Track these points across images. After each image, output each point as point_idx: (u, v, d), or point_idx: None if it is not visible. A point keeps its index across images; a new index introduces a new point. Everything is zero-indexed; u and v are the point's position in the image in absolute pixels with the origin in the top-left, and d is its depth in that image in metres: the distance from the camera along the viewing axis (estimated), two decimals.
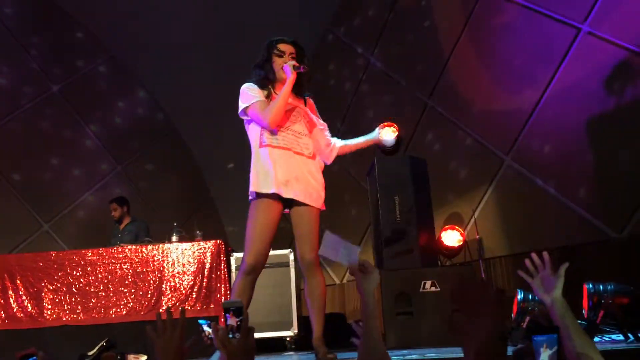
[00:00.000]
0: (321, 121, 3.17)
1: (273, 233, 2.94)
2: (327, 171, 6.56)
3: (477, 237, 4.31)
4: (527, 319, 3.10)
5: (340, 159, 5.53)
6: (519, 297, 3.23)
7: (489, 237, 4.46)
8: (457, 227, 4.35)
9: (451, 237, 4.26)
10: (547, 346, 1.88)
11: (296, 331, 4.31)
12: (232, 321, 1.51)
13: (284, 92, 2.86)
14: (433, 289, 3.71)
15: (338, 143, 3.19)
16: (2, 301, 4.28)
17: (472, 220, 4.62)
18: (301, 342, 4.32)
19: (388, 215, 4.06)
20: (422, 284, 3.75)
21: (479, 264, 4.21)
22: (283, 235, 6.96)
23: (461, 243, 4.25)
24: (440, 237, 4.28)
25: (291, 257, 4.59)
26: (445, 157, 5.15)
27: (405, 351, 3.16)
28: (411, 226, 4.02)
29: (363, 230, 5.88)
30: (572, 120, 4.14)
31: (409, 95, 5.75)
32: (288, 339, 4.33)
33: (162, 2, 6.55)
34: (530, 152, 4.45)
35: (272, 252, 4.58)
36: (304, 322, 4.58)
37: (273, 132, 2.91)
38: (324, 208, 3.01)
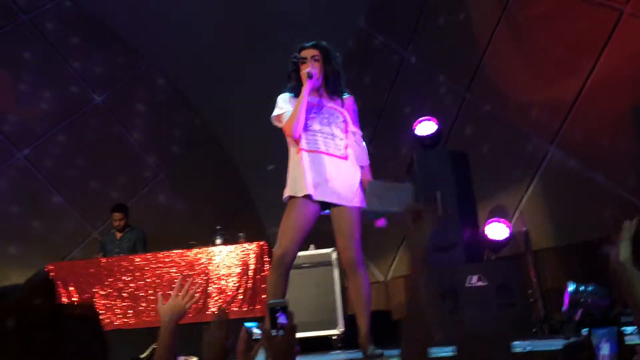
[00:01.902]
0: (355, 127, 3.16)
1: (304, 231, 2.98)
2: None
3: (524, 229, 4.22)
4: (580, 311, 3.03)
5: (378, 155, 5.54)
6: (570, 289, 3.16)
7: (535, 229, 4.36)
8: (502, 220, 4.27)
9: (496, 230, 4.19)
10: (608, 340, 1.82)
11: (342, 329, 4.32)
12: (283, 319, 1.54)
13: (298, 102, 2.93)
14: (480, 283, 3.66)
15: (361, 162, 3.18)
16: None
17: (518, 212, 4.53)
18: (348, 340, 4.33)
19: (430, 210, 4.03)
20: (468, 278, 3.70)
21: (526, 257, 4.12)
22: (325, 235, 6.99)
23: (507, 236, 4.17)
24: (484, 231, 4.21)
25: (334, 255, 4.60)
26: (486, 150, 5.06)
27: (454, 347, 3.12)
28: (454, 220, 3.98)
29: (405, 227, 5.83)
30: (616, 106, 4.01)
31: (446, 89, 5.68)
32: (334, 337, 4.33)
33: (196, 7, 6.66)
34: (574, 141, 4.33)
35: (314, 252, 4.65)
36: (350, 321, 4.59)
37: (304, 137, 2.93)
38: (364, 205, 2.96)
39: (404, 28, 6.34)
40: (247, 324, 1.72)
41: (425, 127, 4.46)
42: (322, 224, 7.43)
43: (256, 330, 1.67)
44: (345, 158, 3.03)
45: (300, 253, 4.67)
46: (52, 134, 6.55)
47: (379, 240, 6.25)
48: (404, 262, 5.85)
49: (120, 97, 7.13)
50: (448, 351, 2.74)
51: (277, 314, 1.54)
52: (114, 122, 7.01)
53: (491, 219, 4.30)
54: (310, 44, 3.10)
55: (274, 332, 1.49)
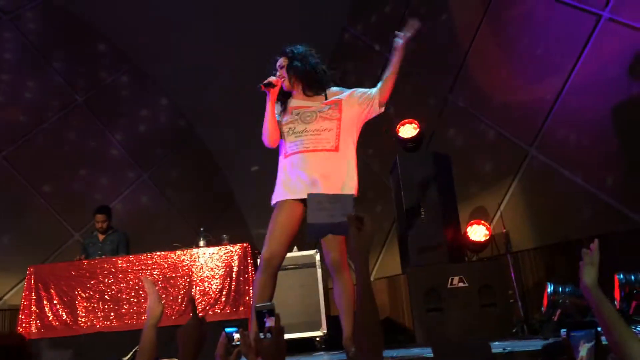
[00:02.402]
0: (352, 90, 3.14)
1: (291, 233, 2.94)
2: None
3: (504, 230, 4.27)
4: (558, 312, 3.08)
5: (362, 155, 5.54)
6: (548, 290, 3.21)
7: (515, 231, 4.41)
8: (482, 222, 4.32)
9: (477, 232, 4.23)
10: (585, 341, 1.85)
11: (325, 331, 4.33)
12: (270, 322, 1.56)
13: (265, 113, 2.99)
14: (461, 284, 3.70)
15: (377, 90, 3.18)
16: (37, 310, 4.39)
17: (498, 213, 4.58)
18: (331, 341, 4.34)
19: (413, 212, 4.06)
20: (450, 279, 3.74)
21: (506, 258, 4.17)
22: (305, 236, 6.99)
23: (487, 237, 4.21)
24: (466, 232, 4.26)
25: (317, 257, 4.61)
26: (468, 151, 5.11)
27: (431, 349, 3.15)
28: (436, 222, 4.02)
29: (389, 226, 5.87)
30: (596, 108, 4.07)
31: (429, 90, 5.72)
32: (317, 339, 4.35)
33: (180, 9, 6.63)
34: (554, 142, 4.39)
35: (298, 253, 4.66)
36: (333, 322, 4.61)
37: (287, 142, 2.99)
38: (356, 195, 2.96)
39: (387, 28, 6.36)
40: (227, 329, 1.73)
41: (407, 130, 4.49)
42: (305, 223, 7.42)
43: (236, 335, 1.68)
44: (336, 149, 2.97)
45: None
46: (33, 134, 6.47)
47: None
48: (386, 263, 5.88)
49: (103, 98, 7.06)
50: (429, 352, 2.76)
51: (265, 318, 1.56)
52: (96, 123, 6.95)
53: (472, 221, 4.35)
54: (281, 52, 3.15)
55: (262, 336, 1.51)
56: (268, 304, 1.67)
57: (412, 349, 3.29)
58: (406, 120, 4.54)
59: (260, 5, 6.57)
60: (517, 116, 4.77)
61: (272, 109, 3.02)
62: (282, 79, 3.07)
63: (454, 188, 4.28)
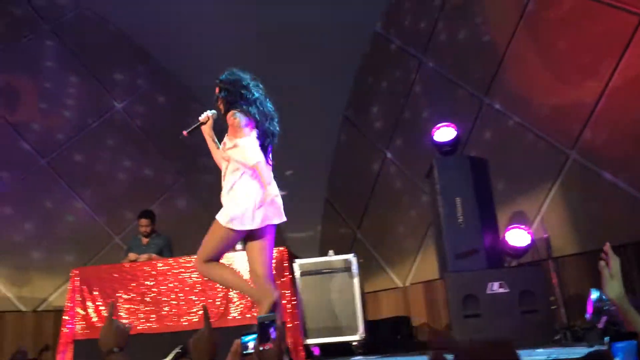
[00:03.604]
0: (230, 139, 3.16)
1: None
2: (385, 172, 6.56)
3: (545, 235, 4.20)
4: (604, 319, 3.01)
5: (397, 160, 5.54)
6: (593, 296, 3.14)
7: (557, 236, 4.34)
8: (522, 227, 4.25)
9: (517, 237, 4.17)
10: (627, 354, 1.80)
11: (363, 335, 4.33)
12: (273, 333, 1.57)
13: None
14: (501, 290, 3.66)
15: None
16: (83, 312, 4.51)
17: (538, 218, 4.51)
18: (368, 346, 4.34)
19: (450, 217, 4.03)
20: (489, 285, 3.70)
21: (547, 264, 4.10)
22: (344, 240, 7.03)
23: (528, 242, 4.15)
24: (504, 237, 4.20)
25: (353, 261, 4.61)
26: (505, 155, 5.05)
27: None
28: (475, 227, 3.98)
29: (423, 233, 5.84)
30: (638, 110, 3.98)
31: (464, 93, 5.67)
32: (355, 343, 4.34)
33: (207, 9, 6.71)
34: (596, 145, 4.31)
35: (334, 258, 4.67)
36: (370, 326, 4.60)
37: None
38: (221, 223, 3.09)
39: (421, 32, 6.35)
40: (244, 338, 1.74)
41: (444, 133, 4.47)
42: (340, 227, 7.44)
43: (251, 345, 1.69)
44: (224, 179, 3.17)
45: (320, 259, 4.72)
46: (75, 141, 6.65)
47: (397, 247, 6.26)
48: (422, 268, 5.85)
49: (140, 104, 7.22)
50: None
51: (269, 329, 1.58)
52: (134, 129, 7.11)
53: (512, 225, 4.29)
54: None
55: (263, 347, 1.53)
56: (271, 314, 1.71)
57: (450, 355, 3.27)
58: (442, 124, 4.52)
59: (293, 7, 6.61)
60: (556, 119, 4.69)
61: (209, 143, 3.30)
62: (214, 112, 3.26)
63: (491, 192, 4.24)
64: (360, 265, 4.63)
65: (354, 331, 4.37)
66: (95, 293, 4.57)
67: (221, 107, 3.19)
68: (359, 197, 6.98)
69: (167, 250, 5.24)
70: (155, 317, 4.46)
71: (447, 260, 3.97)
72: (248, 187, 3.06)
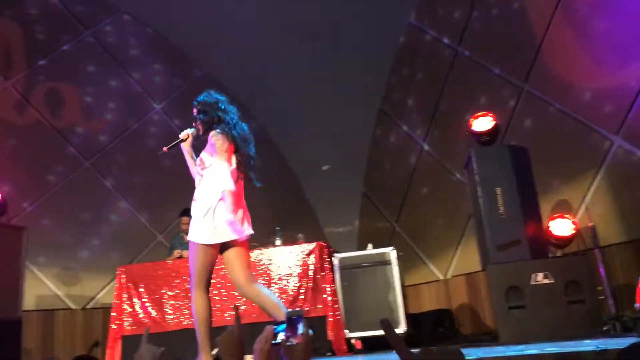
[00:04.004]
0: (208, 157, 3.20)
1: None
2: (422, 164, 6.49)
3: (590, 224, 4.08)
4: None
5: (434, 152, 5.49)
6: None
7: (603, 224, 4.21)
8: (566, 216, 4.15)
9: (561, 226, 4.07)
10: None
11: (405, 329, 4.31)
12: (301, 328, 1.59)
13: None
14: (546, 280, 3.58)
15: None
16: (130, 309, 4.65)
17: (583, 207, 4.39)
18: (411, 339, 4.32)
19: (490, 207, 3.97)
20: (534, 276, 3.63)
21: (593, 253, 3.98)
22: (382, 234, 7.00)
23: (573, 231, 4.04)
24: (548, 227, 4.10)
25: (393, 255, 4.60)
26: (547, 143, 4.92)
27: (521, 346, 3.07)
28: (516, 217, 3.91)
29: (463, 224, 5.76)
30: None
31: (502, 81, 5.56)
32: None
33: (244, 10, 6.77)
34: None
35: (373, 251, 4.67)
36: (412, 320, 4.59)
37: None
38: (192, 240, 3.12)
39: (456, 21, 6.25)
40: (277, 327, 1.76)
41: (482, 123, 4.39)
42: (378, 221, 7.41)
43: (280, 335, 1.71)
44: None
45: (359, 252, 4.73)
46: (117, 142, 6.83)
47: (437, 239, 6.20)
48: (463, 260, 5.77)
49: (178, 105, 7.36)
50: (513, 350, 2.69)
51: (297, 323, 1.60)
52: (173, 129, 7.25)
53: (555, 215, 4.19)
54: None
55: (290, 342, 1.55)
56: (298, 310, 1.73)
57: (496, 347, 3.23)
58: (480, 113, 4.44)
59: (327, 2, 6.60)
60: (599, 104, 4.55)
61: (188, 159, 3.37)
62: (193, 131, 3.34)
63: (533, 181, 4.14)
64: (399, 258, 4.62)
65: (395, 324, 4.36)
66: (141, 290, 4.69)
67: (199, 127, 3.30)
68: (396, 190, 6.94)
69: None
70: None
71: (488, 251, 3.91)
72: (219, 206, 3.08)
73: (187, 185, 6.94)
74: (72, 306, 6.02)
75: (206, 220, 3.07)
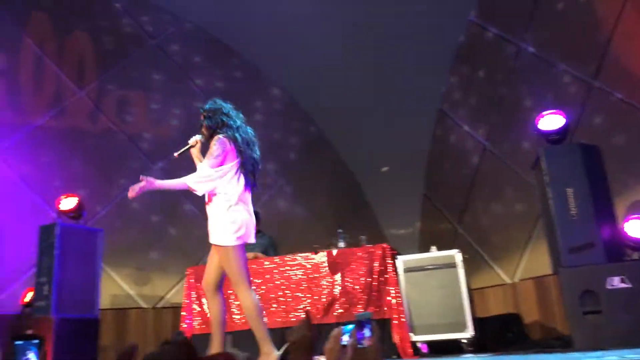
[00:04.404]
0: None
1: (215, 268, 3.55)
2: (485, 164, 6.33)
3: None
4: None
5: (498, 151, 5.37)
6: None
7: None
8: None
9: (637, 228, 3.88)
10: None
11: (472, 333, 4.23)
12: (368, 331, 1.61)
13: None
14: (623, 285, 3.43)
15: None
16: (198, 308, 4.80)
17: None
18: (478, 344, 4.25)
19: (562, 209, 3.84)
20: (609, 280, 3.49)
21: None
22: (444, 236, 6.89)
23: None
24: (624, 229, 3.92)
25: (458, 257, 4.53)
26: (620, 140, 4.71)
27: (598, 352, 2.96)
28: (589, 218, 3.77)
29: (530, 226, 5.59)
30: None
31: (570, 77, 5.36)
32: (464, 341, 4.26)
33: (302, 10, 6.83)
34: None
35: (437, 254, 4.61)
36: (479, 324, 4.50)
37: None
38: (218, 244, 3.43)
39: (519, 16, 6.08)
40: (345, 328, 1.78)
41: (550, 121, 4.25)
42: (440, 223, 7.30)
43: (345, 337, 1.73)
44: (208, 202, 3.50)
45: (423, 255, 4.68)
46: (183, 146, 7.05)
47: (502, 241, 6.05)
48: (532, 263, 5.60)
49: (240, 109, 7.51)
50: (589, 356, 2.60)
51: (366, 326, 1.62)
52: None
53: (631, 216, 4.00)
54: None
55: (360, 345, 1.56)
56: (367, 313, 1.76)
57: (571, 353, 3.12)
58: (548, 111, 4.31)
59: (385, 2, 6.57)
60: None
61: (197, 164, 3.59)
62: (201, 137, 3.61)
63: (607, 181, 3.98)
64: (464, 260, 4.54)
65: (462, 328, 4.30)
66: None
67: (205, 132, 3.56)
68: (458, 191, 6.82)
69: (271, 249, 5.43)
70: (265, 314, 4.63)
71: (560, 254, 3.79)
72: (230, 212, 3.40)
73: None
74: (144, 305, 6.27)
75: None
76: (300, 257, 4.76)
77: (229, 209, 3.34)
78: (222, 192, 3.38)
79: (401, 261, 4.60)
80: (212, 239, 3.41)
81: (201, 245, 6.75)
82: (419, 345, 4.37)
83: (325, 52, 7.00)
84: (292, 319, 4.55)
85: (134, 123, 6.90)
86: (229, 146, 3.39)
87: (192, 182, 3.36)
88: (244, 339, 4.15)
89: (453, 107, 7.06)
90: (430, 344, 4.37)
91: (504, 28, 6.31)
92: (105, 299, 5.62)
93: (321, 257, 4.70)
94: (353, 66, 6.95)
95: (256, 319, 3.31)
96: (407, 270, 4.58)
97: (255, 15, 7.03)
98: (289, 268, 4.77)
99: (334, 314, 4.51)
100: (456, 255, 4.53)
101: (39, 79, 6.49)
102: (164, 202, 6.73)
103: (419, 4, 6.37)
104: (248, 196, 3.47)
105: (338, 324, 4.61)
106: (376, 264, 4.54)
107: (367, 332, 1.65)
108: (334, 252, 4.72)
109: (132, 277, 6.32)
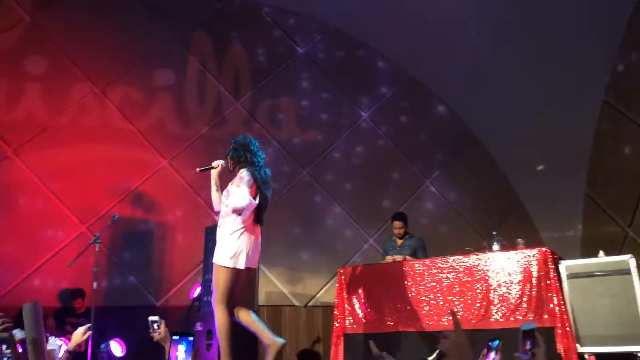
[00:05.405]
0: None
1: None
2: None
3: None
4: None
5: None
6: None
7: None
8: None
9: None
10: None
11: None
12: (529, 344, 1.56)
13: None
14: None
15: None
16: (349, 307, 4.88)
17: None
18: None
19: None
20: None
21: None
22: (612, 239, 6.29)
23: None
24: None
25: (632, 263, 4.08)
26: None
27: None
28: None
29: None
30: None
31: None
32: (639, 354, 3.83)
33: (457, 11, 6.66)
34: None
35: (607, 259, 4.21)
36: None
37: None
38: (214, 261, 3.64)
39: None
40: (493, 343, 1.74)
41: None
42: (606, 225, 6.67)
43: (492, 355, 1.69)
44: (219, 226, 3.75)
45: (590, 260, 4.29)
46: (329, 151, 7.27)
47: None
48: None
49: (385, 112, 7.55)
50: None
51: (529, 338, 1.57)
52: (381, 136, 7.46)
53: None
54: None
55: (524, 357, 1.50)
56: (531, 323, 1.67)
57: None
58: None
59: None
60: None
61: (213, 185, 3.87)
62: (224, 162, 3.86)
63: None
64: (638, 267, 4.08)
65: (636, 340, 3.86)
66: (360, 291, 4.89)
67: (229, 161, 3.83)
68: (627, 190, 6.14)
69: (421, 251, 5.35)
70: (415, 317, 4.57)
71: None
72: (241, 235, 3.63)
73: (395, 190, 7.09)
74: (296, 303, 6.55)
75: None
76: (451, 260, 4.62)
77: (232, 234, 3.60)
78: (233, 221, 3.63)
79: (564, 266, 4.26)
80: (214, 258, 3.68)
81: (351, 245, 6.92)
82: (586, 357, 4.01)
83: (479, 50, 6.75)
84: (444, 323, 4.42)
85: (284, 130, 7.24)
86: (252, 182, 3.69)
87: (244, 202, 3.55)
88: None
89: (620, 98, 6.39)
90: (599, 356, 3.99)
91: None
92: (261, 296, 5.97)
93: (474, 260, 4.52)
94: (506, 58, 6.61)
95: (224, 338, 3.59)
96: (571, 276, 4.22)
97: (402, 20, 7.00)
98: (440, 271, 4.65)
99: (490, 319, 4.31)
100: (630, 260, 4.08)
101: (202, 92, 7.11)
102: (313, 205, 6.98)
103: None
104: (257, 229, 3.74)
105: (494, 331, 4.41)
106: (535, 269, 4.24)
107: (533, 342, 1.59)
108: (488, 255, 4.51)
109: (285, 276, 6.64)
